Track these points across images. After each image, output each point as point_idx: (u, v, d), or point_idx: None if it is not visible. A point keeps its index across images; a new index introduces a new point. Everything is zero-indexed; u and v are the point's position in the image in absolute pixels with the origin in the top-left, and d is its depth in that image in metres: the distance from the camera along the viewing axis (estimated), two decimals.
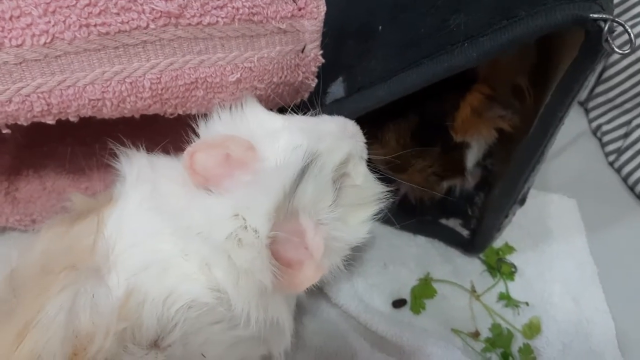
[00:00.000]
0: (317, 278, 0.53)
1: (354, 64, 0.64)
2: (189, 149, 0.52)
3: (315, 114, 0.64)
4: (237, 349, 0.54)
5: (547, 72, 0.66)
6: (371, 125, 0.74)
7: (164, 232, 0.52)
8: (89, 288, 0.46)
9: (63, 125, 0.56)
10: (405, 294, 0.81)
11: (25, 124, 0.52)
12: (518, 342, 0.78)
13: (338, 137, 0.59)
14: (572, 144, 1.08)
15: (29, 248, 0.51)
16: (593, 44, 0.50)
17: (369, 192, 0.63)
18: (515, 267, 0.86)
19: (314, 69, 0.66)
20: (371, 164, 0.65)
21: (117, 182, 0.58)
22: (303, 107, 0.66)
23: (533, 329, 0.80)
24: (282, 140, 0.55)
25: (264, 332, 0.54)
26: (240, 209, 0.50)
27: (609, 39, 0.48)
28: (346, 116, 0.63)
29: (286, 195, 0.51)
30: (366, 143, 0.64)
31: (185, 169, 0.52)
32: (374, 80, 0.61)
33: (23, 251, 0.51)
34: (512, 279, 0.85)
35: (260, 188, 0.51)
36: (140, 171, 0.56)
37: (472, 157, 0.78)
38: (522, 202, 0.74)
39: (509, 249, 0.88)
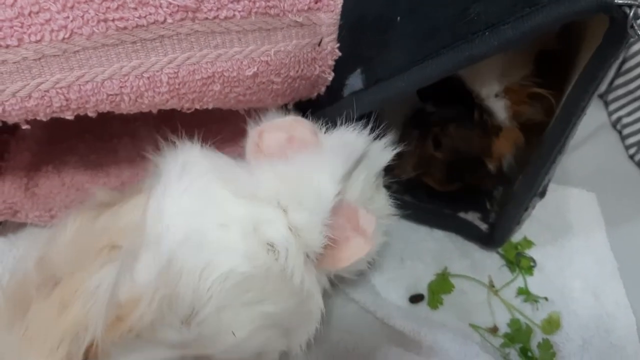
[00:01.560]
0: (365, 252, 0.56)
1: (373, 56, 0.63)
2: (258, 128, 0.58)
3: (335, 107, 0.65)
4: (262, 334, 0.55)
5: (568, 61, 0.65)
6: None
7: (208, 208, 0.54)
8: (131, 261, 0.48)
9: (82, 121, 0.57)
10: (423, 289, 0.81)
11: (44, 119, 0.52)
12: (537, 337, 0.77)
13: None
14: (592, 137, 1.06)
15: (53, 237, 0.51)
16: (618, 31, 0.49)
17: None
18: (534, 261, 0.85)
19: (331, 63, 0.66)
20: None
21: (152, 172, 0.60)
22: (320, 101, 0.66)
23: (552, 324, 0.79)
24: (344, 129, 0.60)
25: (294, 311, 0.56)
26: (307, 171, 0.55)
27: (634, 25, 0.47)
28: (364, 108, 0.63)
29: (347, 171, 0.56)
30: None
31: (251, 145, 0.57)
32: (392, 72, 0.60)
33: (48, 240, 0.51)
34: (531, 274, 0.84)
35: (332, 155, 0.56)
36: (187, 158, 0.58)
37: (506, 164, 0.77)
38: (543, 194, 0.73)
39: (528, 243, 0.87)
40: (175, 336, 0.47)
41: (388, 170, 0.68)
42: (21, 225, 0.72)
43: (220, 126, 0.70)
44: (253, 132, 0.58)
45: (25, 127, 0.52)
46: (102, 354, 0.44)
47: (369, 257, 0.63)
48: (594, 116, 1.09)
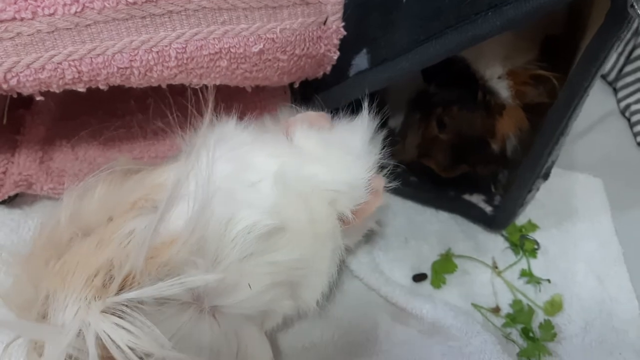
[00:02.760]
0: (378, 205, 0.64)
1: (378, 36, 0.64)
2: (285, 122, 0.65)
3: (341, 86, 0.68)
4: (274, 290, 0.58)
5: (575, 44, 0.65)
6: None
7: (241, 171, 0.57)
8: (165, 209, 0.50)
9: (95, 98, 0.58)
10: (426, 269, 0.81)
11: (57, 91, 0.54)
12: (539, 318, 0.78)
13: None
14: (600, 123, 1.06)
15: (84, 195, 0.54)
16: (618, 11, 0.50)
17: None
18: (538, 244, 0.85)
19: (336, 42, 0.66)
20: None
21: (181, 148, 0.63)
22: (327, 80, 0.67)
23: (555, 306, 0.79)
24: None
25: (309, 263, 0.60)
26: (347, 136, 0.64)
27: (634, 4, 0.48)
28: (370, 87, 0.64)
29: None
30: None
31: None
32: (397, 52, 0.61)
33: (78, 198, 0.54)
34: (535, 257, 0.85)
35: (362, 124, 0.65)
36: (223, 131, 0.61)
37: (510, 145, 0.78)
38: (546, 176, 0.74)
39: (533, 226, 0.87)
40: (199, 280, 0.50)
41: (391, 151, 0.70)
42: (36, 198, 0.74)
43: (228, 104, 0.72)
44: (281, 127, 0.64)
45: (39, 98, 0.54)
46: (137, 285, 0.47)
47: (376, 217, 0.74)
48: (602, 103, 1.09)
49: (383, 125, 0.69)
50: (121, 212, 0.52)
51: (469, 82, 0.73)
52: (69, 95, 0.67)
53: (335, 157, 0.62)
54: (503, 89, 0.72)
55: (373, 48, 0.65)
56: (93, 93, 0.58)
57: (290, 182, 0.57)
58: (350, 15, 0.66)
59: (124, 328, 0.44)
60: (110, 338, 0.44)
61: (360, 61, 0.66)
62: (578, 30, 0.69)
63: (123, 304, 0.46)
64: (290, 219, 0.57)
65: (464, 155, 0.79)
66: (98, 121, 0.73)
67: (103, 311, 0.45)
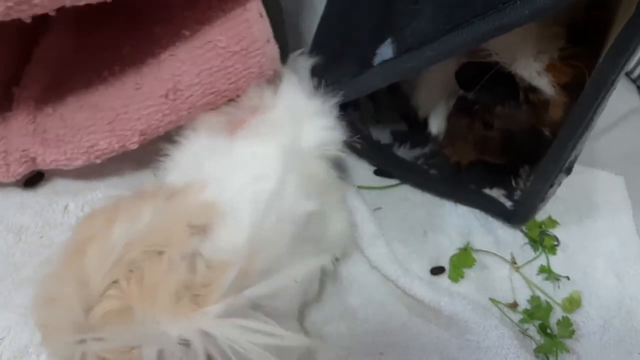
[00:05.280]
0: None
1: (404, 26, 0.64)
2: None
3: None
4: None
5: (598, 34, 0.65)
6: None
7: (237, 171, 0.61)
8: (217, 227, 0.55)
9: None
10: (444, 263, 0.81)
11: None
12: (557, 315, 0.77)
13: None
14: (622, 120, 1.05)
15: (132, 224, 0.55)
16: None
17: None
18: (558, 240, 0.85)
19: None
20: None
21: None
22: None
23: (573, 303, 0.79)
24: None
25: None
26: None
27: None
28: (394, 76, 0.64)
29: None
30: None
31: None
32: (423, 41, 0.61)
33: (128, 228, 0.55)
34: (554, 253, 0.84)
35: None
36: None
37: None
38: (569, 171, 0.73)
39: (552, 222, 0.87)
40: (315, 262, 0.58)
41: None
42: (59, 181, 0.75)
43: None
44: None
45: (52, 14, 0.54)
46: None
47: None
48: (625, 100, 1.07)
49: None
50: (178, 235, 0.54)
51: (509, 84, 0.72)
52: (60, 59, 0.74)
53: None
54: (545, 86, 0.70)
55: (398, 37, 0.64)
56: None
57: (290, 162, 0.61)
58: (375, 4, 0.66)
59: (246, 327, 0.48)
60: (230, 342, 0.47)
61: (385, 50, 0.65)
62: (601, 17, 0.68)
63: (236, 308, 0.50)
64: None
65: (518, 146, 0.78)
66: (82, 85, 0.72)
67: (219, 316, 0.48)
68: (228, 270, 0.51)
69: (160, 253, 0.52)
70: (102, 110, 0.70)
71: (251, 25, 0.66)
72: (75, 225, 0.61)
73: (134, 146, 0.70)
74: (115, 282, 0.50)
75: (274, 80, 0.70)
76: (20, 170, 0.71)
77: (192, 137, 0.65)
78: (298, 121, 0.65)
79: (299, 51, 0.74)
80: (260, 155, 0.61)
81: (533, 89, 0.72)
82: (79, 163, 0.70)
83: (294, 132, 0.64)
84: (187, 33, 0.68)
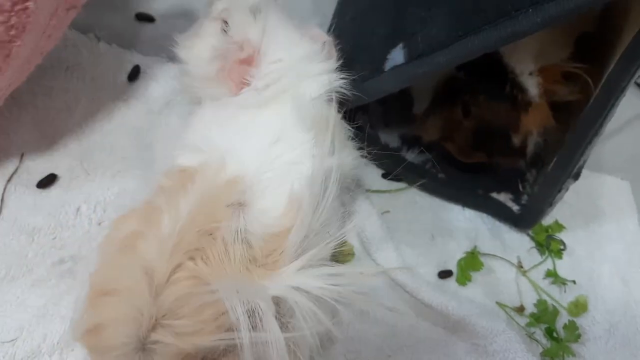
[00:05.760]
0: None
1: (416, 31, 0.64)
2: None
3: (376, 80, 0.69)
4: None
5: (609, 43, 0.65)
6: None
7: (249, 138, 0.63)
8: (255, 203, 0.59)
9: None
10: (452, 266, 0.82)
11: None
12: (563, 319, 0.78)
13: None
14: (628, 126, 1.05)
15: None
16: None
17: None
18: (564, 245, 0.86)
19: None
20: None
21: None
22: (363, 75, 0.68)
23: (579, 307, 0.80)
24: None
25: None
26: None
27: None
28: (405, 82, 0.65)
29: None
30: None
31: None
32: (434, 47, 0.61)
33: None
34: (561, 257, 0.85)
35: None
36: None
37: (532, 142, 0.79)
38: (577, 176, 0.74)
39: (559, 227, 0.88)
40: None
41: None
42: (71, 182, 0.75)
43: None
44: None
45: None
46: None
47: None
48: (631, 105, 1.08)
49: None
50: (221, 216, 0.56)
51: (499, 74, 0.74)
52: None
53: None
54: (532, 86, 0.73)
55: (410, 43, 0.65)
56: None
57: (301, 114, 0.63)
58: (387, 10, 0.66)
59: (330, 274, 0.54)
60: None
61: (397, 55, 0.66)
62: (611, 27, 0.69)
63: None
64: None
65: (483, 143, 0.80)
66: None
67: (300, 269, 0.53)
68: (291, 232, 0.54)
69: (211, 234, 0.54)
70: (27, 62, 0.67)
71: None
72: (110, 228, 0.62)
73: None
74: (178, 266, 0.52)
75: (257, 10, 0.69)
76: None
77: (197, 113, 0.67)
78: (297, 72, 0.66)
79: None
80: (269, 119, 0.62)
81: (520, 87, 0.74)
82: None
83: (296, 84, 0.65)
84: None
